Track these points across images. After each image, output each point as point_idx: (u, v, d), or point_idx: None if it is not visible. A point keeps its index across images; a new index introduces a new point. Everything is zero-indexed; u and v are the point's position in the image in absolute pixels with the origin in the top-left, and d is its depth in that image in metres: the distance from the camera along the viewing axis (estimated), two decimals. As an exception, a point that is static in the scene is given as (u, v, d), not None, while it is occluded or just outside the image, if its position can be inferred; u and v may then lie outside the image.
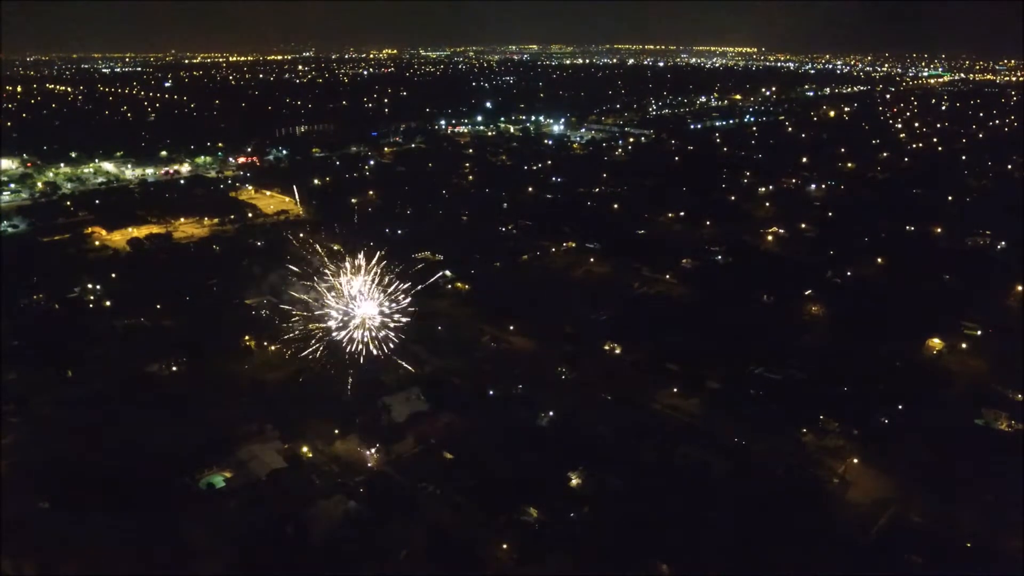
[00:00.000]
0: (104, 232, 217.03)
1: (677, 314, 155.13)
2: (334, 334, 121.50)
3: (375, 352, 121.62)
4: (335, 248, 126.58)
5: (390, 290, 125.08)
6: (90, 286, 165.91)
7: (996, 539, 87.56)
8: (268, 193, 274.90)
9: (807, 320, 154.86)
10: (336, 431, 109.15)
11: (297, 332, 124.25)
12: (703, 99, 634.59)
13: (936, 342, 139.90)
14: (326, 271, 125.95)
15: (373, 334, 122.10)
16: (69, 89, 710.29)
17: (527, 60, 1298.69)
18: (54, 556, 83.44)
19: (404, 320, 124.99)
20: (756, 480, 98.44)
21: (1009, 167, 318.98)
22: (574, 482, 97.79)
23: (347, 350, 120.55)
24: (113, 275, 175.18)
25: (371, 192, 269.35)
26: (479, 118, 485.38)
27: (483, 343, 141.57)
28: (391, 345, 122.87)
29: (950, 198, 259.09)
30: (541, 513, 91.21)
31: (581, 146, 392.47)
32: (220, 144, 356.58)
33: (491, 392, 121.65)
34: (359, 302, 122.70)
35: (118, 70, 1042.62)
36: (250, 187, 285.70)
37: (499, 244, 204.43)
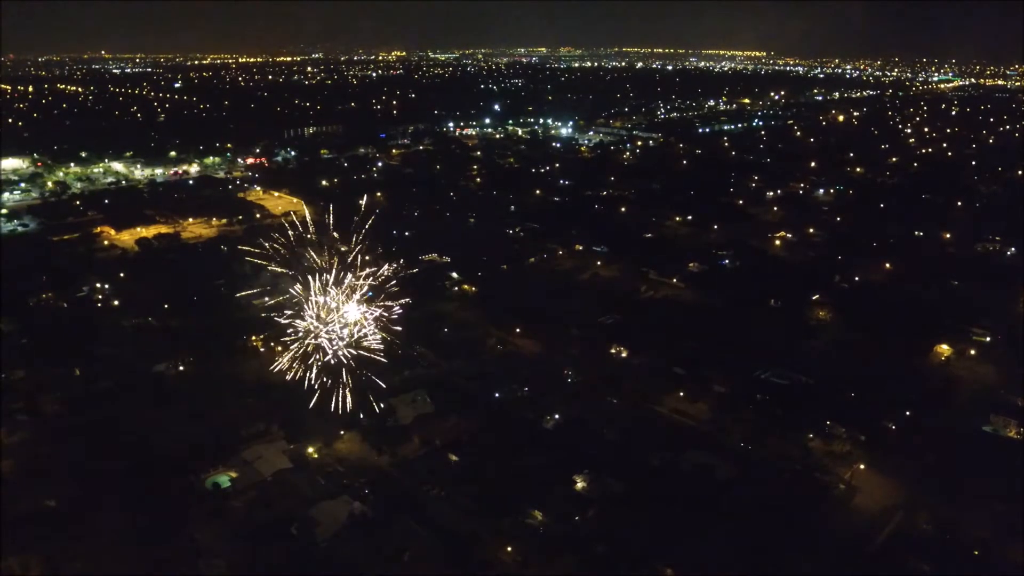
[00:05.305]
0: (113, 232, 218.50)
1: (684, 318, 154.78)
2: (338, 336, 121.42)
3: (381, 354, 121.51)
4: (342, 250, 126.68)
5: (396, 291, 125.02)
6: (99, 285, 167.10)
7: (1004, 547, 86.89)
8: (276, 194, 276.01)
9: (814, 325, 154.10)
10: (341, 432, 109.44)
11: (302, 334, 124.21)
12: (711, 103, 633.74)
13: (944, 348, 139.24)
14: (331, 273, 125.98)
15: (378, 336, 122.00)
16: (79, 89, 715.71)
17: (535, 63, 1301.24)
18: (61, 554, 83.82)
19: (409, 322, 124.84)
20: (762, 485, 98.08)
21: (1020, 173, 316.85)
22: (579, 485, 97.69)
23: (352, 352, 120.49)
24: (121, 275, 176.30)
25: (379, 194, 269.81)
26: (487, 120, 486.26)
27: (489, 345, 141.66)
28: (397, 347, 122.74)
29: (959, 203, 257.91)
30: (546, 516, 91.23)
31: (589, 149, 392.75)
32: (229, 145, 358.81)
33: (497, 395, 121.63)
34: (365, 304, 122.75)
35: (128, 71, 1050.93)
36: (258, 188, 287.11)
37: (506, 246, 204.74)
